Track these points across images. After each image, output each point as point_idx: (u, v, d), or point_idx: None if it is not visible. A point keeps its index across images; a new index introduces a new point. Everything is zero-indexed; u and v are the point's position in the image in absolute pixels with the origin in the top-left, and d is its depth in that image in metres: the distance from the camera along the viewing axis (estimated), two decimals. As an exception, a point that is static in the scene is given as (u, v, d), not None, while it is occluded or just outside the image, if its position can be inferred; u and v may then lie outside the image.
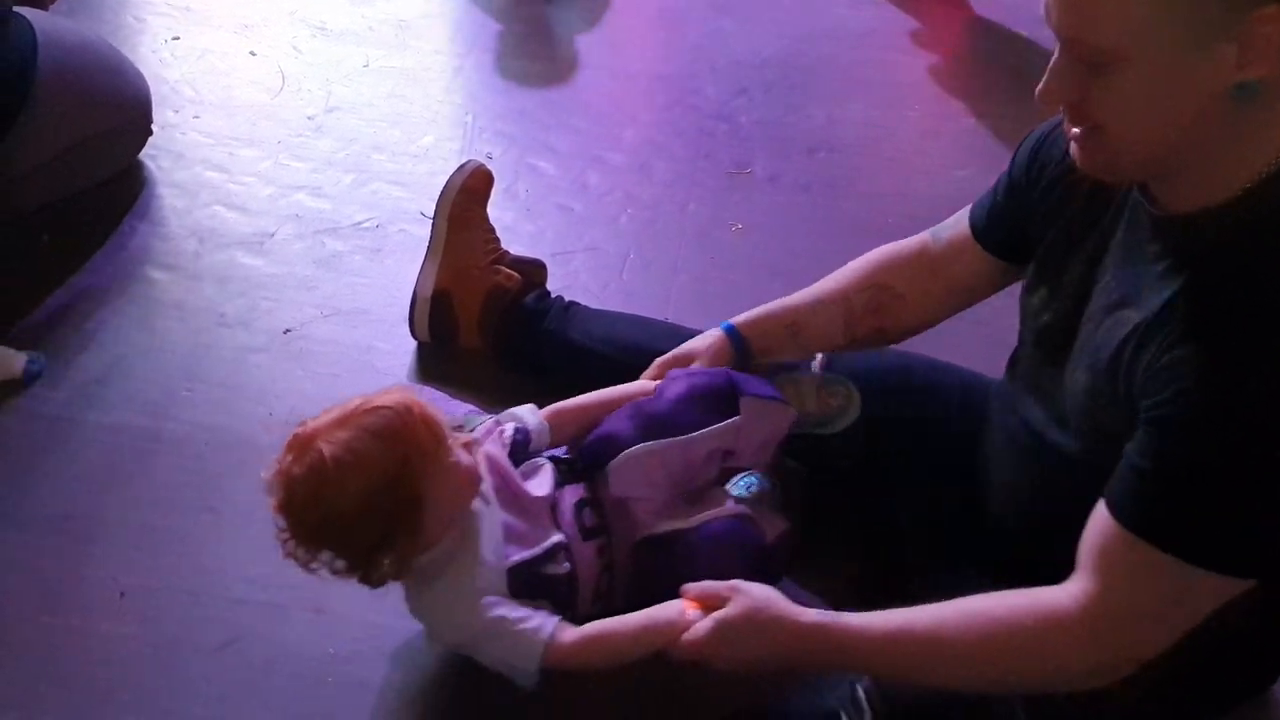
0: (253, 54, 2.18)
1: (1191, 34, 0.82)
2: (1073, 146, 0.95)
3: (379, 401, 1.08)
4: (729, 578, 1.07)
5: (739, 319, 1.35)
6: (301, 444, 1.06)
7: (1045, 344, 1.09)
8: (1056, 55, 0.90)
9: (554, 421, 1.27)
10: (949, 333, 1.37)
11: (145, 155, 1.89)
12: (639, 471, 1.19)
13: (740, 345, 1.33)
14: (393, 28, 2.29)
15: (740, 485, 1.20)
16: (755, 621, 1.04)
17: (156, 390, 1.53)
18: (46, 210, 1.75)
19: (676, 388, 1.24)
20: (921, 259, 1.28)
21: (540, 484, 1.21)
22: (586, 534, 1.18)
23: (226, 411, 1.51)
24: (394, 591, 1.29)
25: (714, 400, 1.23)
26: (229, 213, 1.82)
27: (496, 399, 1.53)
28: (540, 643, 1.08)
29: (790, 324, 1.33)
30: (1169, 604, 0.93)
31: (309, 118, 2.04)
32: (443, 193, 1.58)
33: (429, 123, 2.07)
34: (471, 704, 1.22)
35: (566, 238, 1.85)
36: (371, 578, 1.10)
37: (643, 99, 2.18)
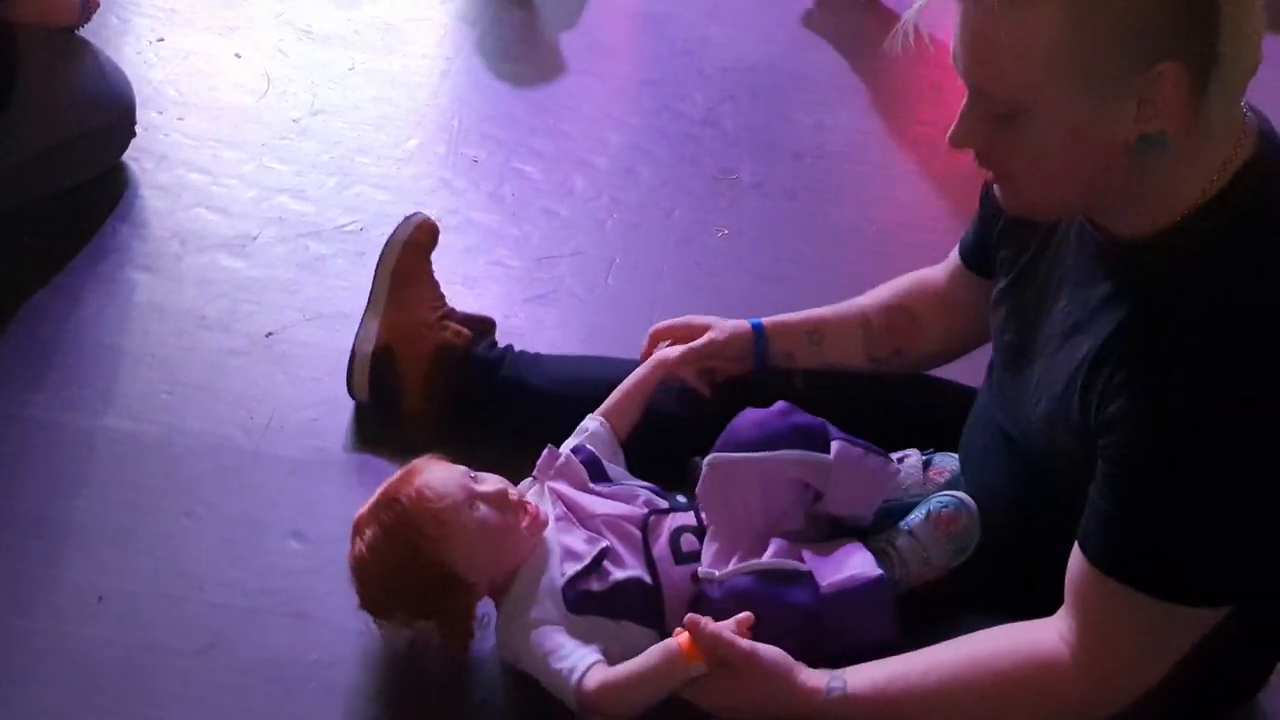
0: (238, 56, 2.17)
1: (1093, 88, 0.84)
2: (996, 189, 0.97)
3: (395, 491, 1.17)
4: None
5: (764, 318, 1.36)
6: (352, 536, 1.20)
7: (1010, 360, 1.10)
8: (965, 102, 0.91)
9: (611, 420, 1.33)
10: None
11: (128, 157, 1.87)
12: (718, 483, 1.17)
13: (761, 337, 1.34)
14: (379, 31, 2.28)
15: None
16: (763, 698, 1.04)
17: (136, 393, 1.52)
18: (28, 210, 1.73)
19: (774, 411, 1.20)
20: (938, 286, 1.30)
21: (613, 504, 1.23)
22: (681, 559, 1.17)
23: (207, 415, 1.50)
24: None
25: (807, 433, 1.18)
26: (211, 215, 1.81)
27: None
28: (570, 687, 1.09)
29: (812, 330, 1.34)
30: (1151, 640, 0.93)
31: (294, 120, 2.03)
32: (387, 245, 1.51)
33: (414, 126, 2.06)
34: (452, 713, 1.21)
35: (552, 242, 1.85)
36: (454, 641, 1.19)
37: (629, 104, 2.18)
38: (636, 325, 1.50)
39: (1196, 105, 0.84)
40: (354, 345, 1.50)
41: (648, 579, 1.16)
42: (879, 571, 1.11)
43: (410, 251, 1.51)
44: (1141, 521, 0.90)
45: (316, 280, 1.72)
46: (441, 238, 1.79)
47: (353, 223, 1.83)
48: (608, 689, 1.08)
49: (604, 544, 1.18)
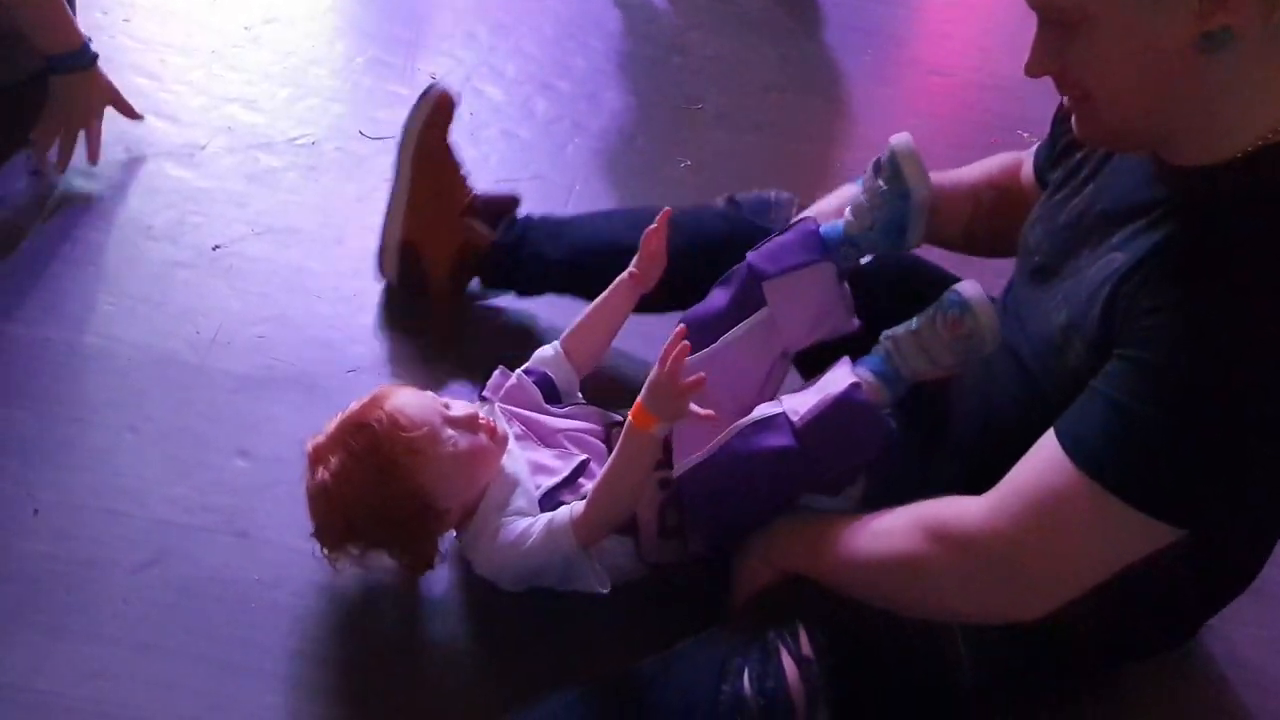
0: (187, -43, 2.08)
1: None
2: (1073, 119, 0.95)
3: (365, 416, 1.14)
4: (776, 485, 1.10)
5: None
6: (310, 464, 1.15)
7: (1034, 279, 1.09)
8: (1036, 30, 0.91)
9: (568, 347, 1.30)
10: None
11: (70, 57, 1.80)
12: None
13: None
14: (337, -62, 2.20)
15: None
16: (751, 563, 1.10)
17: (78, 303, 1.48)
18: (-39, 111, 1.66)
19: (701, 306, 1.21)
20: (1028, 176, 1.25)
21: (571, 422, 1.23)
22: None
23: (151, 328, 1.46)
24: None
25: (741, 297, 1.18)
26: (158, 122, 1.75)
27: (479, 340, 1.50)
28: (564, 525, 1.10)
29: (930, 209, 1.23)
30: (1095, 542, 0.93)
31: (245, 28, 1.96)
32: (405, 128, 1.48)
33: (370, 38, 2.00)
34: (395, 634, 1.20)
35: (511, 165, 1.81)
36: (417, 568, 1.17)
37: (595, 26, 2.13)
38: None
39: (1269, 5, 0.82)
40: (382, 230, 1.51)
41: None
42: (848, 381, 1.09)
43: (429, 132, 1.47)
44: (1137, 423, 0.88)
45: (266, 193, 1.67)
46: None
47: (304, 136, 1.77)
48: (595, 500, 1.09)
49: (582, 457, 1.18)
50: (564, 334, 1.33)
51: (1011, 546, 0.94)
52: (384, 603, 1.22)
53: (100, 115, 1.65)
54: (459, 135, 1.82)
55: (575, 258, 1.43)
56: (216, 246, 1.58)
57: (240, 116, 1.79)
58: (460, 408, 1.18)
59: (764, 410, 1.12)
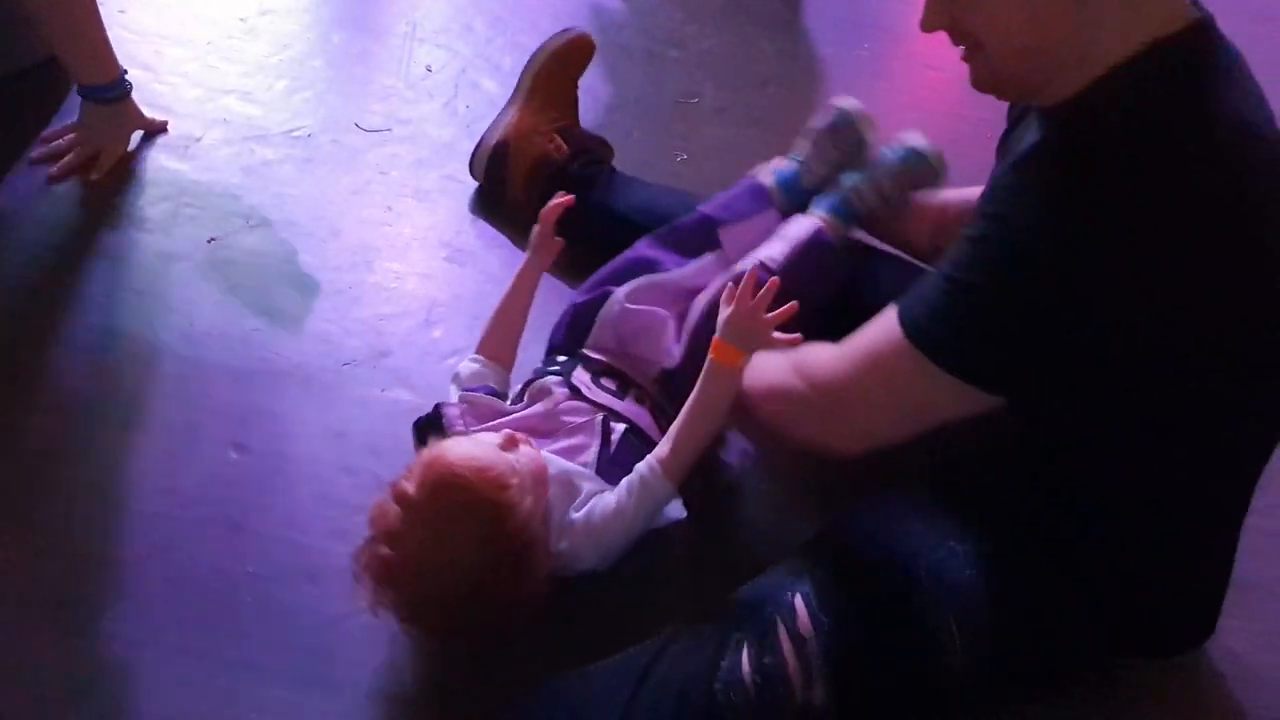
0: (183, -52, 2.07)
1: None
2: (969, 72, 1.03)
3: (441, 477, 1.06)
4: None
5: None
6: (387, 572, 1.07)
7: None
8: None
9: (489, 354, 1.32)
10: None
11: (64, 48, 1.79)
12: (634, 319, 1.30)
13: None
14: (333, -71, 2.19)
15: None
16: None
17: (72, 295, 1.47)
18: (-45, 102, 1.66)
19: (646, 252, 1.38)
20: None
21: (546, 403, 1.25)
22: (618, 394, 1.25)
23: (145, 320, 1.45)
24: (319, 512, 1.27)
25: (687, 239, 1.38)
26: (153, 114, 1.74)
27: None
28: (657, 474, 1.14)
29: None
30: (907, 395, 1.03)
31: (241, 19, 1.95)
32: (538, 50, 1.66)
33: (366, 31, 1.99)
34: (392, 626, 1.20)
35: (507, 158, 1.80)
36: (532, 613, 1.10)
37: (592, 19, 2.13)
38: (591, 246, 1.48)
39: None
40: (484, 134, 1.67)
41: (631, 424, 1.22)
42: (815, 227, 1.35)
43: (555, 62, 1.65)
44: (944, 289, 0.98)
45: (262, 186, 1.67)
46: (392, 148, 1.76)
47: (300, 128, 1.77)
48: (682, 442, 1.15)
49: (598, 417, 1.21)
50: (478, 345, 1.32)
51: (841, 389, 1.08)
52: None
53: (126, 145, 1.65)
54: (455, 129, 1.83)
55: (630, 214, 1.52)
56: (211, 239, 1.58)
57: (236, 108, 1.78)
58: (492, 434, 1.15)
59: (739, 267, 1.29)
